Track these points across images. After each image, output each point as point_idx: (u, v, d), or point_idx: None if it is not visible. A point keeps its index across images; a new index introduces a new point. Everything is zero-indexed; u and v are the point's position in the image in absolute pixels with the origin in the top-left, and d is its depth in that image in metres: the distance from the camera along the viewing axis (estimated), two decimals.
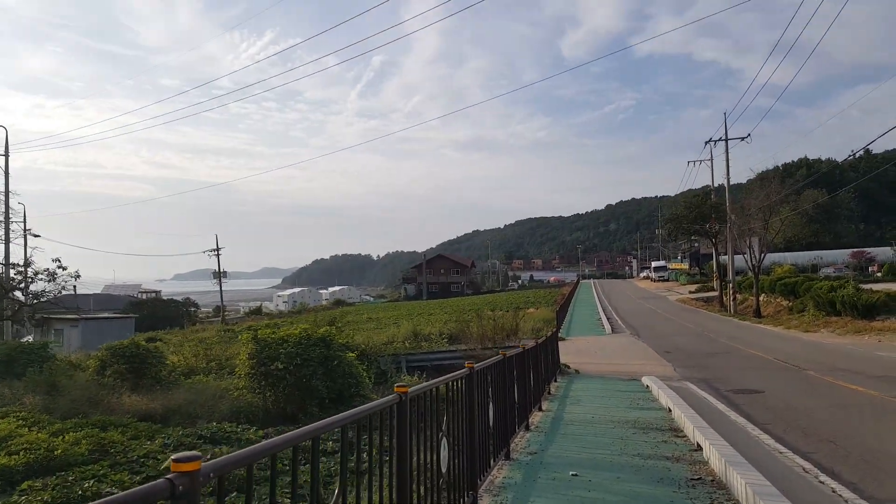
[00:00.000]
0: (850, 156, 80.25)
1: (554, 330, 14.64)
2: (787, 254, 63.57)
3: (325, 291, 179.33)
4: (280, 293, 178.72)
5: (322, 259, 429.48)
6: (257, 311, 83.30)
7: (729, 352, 18.82)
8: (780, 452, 6.89)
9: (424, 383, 4.29)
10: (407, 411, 3.55)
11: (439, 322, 33.13)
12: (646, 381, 13.05)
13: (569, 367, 15.84)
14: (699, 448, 6.97)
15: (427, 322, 40.05)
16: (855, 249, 73.65)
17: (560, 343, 23.53)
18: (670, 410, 9.85)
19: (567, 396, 11.86)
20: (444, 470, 4.25)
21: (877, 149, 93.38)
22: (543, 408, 10.62)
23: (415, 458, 3.67)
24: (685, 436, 7.82)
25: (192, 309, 70.80)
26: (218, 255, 66.57)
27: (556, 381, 13.96)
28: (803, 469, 6.14)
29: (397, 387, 3.57)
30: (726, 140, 38.88)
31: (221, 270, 71.73)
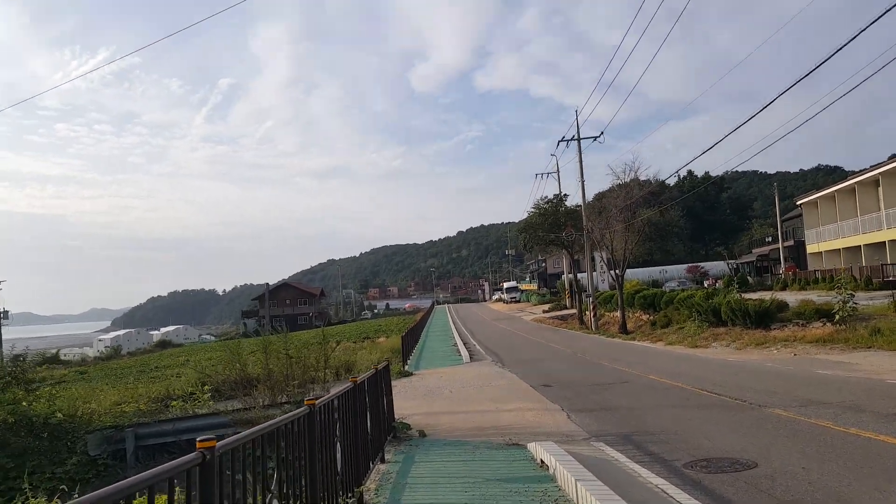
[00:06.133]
0: (674, 173, 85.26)
1: (377, 367, 8.50)
2: (629, 270, 64.26)
3: (156, 332, 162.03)
4: (103, 336, 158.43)
5: (159, 297, 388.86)
6: (54, 360, 68.61)
7: (626, 381, 13.95)
8: None
9: None
10: None
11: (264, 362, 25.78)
12: (539, 451, 7.33)
13: (409, 427, 9.76)
14: None
15: (253, 362, 32.33)
16: (690, 265, 76.87)
17: (405, 380, 17.42)
18: None
19: None
20: None
21: (697, 171, 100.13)
22: None
23: None
24: None
25: None
26: None
27: (382, 459, 7.83)
28: None
29: None
30: (578, 140, 36.07)
31: (3, 311, 59.09)
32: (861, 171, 40.59)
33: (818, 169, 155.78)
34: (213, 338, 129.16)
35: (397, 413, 10.52)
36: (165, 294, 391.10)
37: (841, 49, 12.58)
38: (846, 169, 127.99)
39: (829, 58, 13.12)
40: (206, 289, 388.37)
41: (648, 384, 13.00)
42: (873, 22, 11.53)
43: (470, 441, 8.80)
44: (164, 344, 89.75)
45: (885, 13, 11.23)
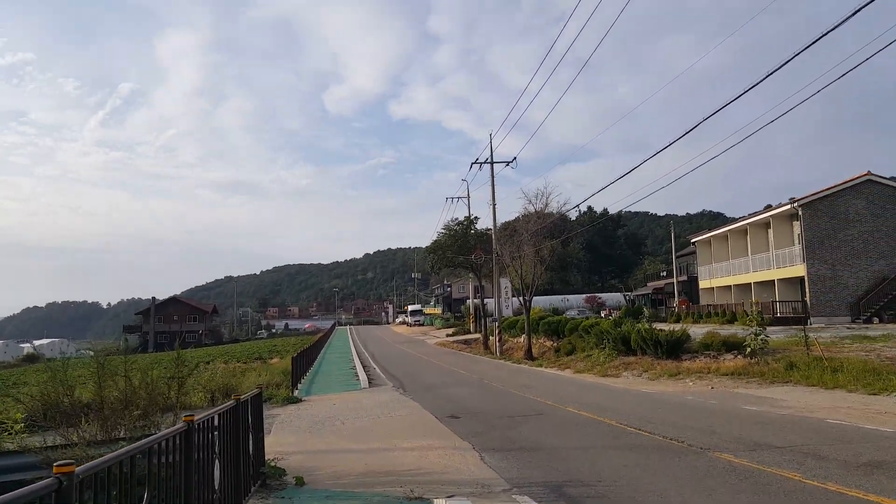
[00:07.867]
0: (575, 207, 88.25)
1: (238, 398, 6.38)
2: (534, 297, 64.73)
3: (27, 345, 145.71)
4: None
5: (35, 307, 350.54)
6: None
7: (542, 412, 12.47)
8: None
9: None
10: None
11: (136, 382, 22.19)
12: None
13: (284, 473, 7.62)
14: None
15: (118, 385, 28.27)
16: (588, 295, 78.82)
17: (292, 408, 15.08)
18: None
19: None
20: None
21: (597, 207, 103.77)
22: None
23: None
24: None
25: None
26: None
27: None
28: None
29: None
30: (492, 163, 35.37)
31: None
32: (752, 213, 42.68)
33: (703, 214, 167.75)
34: (93, 353, 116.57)
35: (272, 452, 8.38)
36: (43, 305, 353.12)
37: (718, 112, 13.67)
38: (727, 215, 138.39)
39: (706, 119, 14.78)
40: (90, 301, 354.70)
41: (567, 417, 11.57)
42: (750, 88, 12.37)
43: (359, 493, 6.82)
44: (33, 358, 79.39)
45: (761, 81, 12.16)
